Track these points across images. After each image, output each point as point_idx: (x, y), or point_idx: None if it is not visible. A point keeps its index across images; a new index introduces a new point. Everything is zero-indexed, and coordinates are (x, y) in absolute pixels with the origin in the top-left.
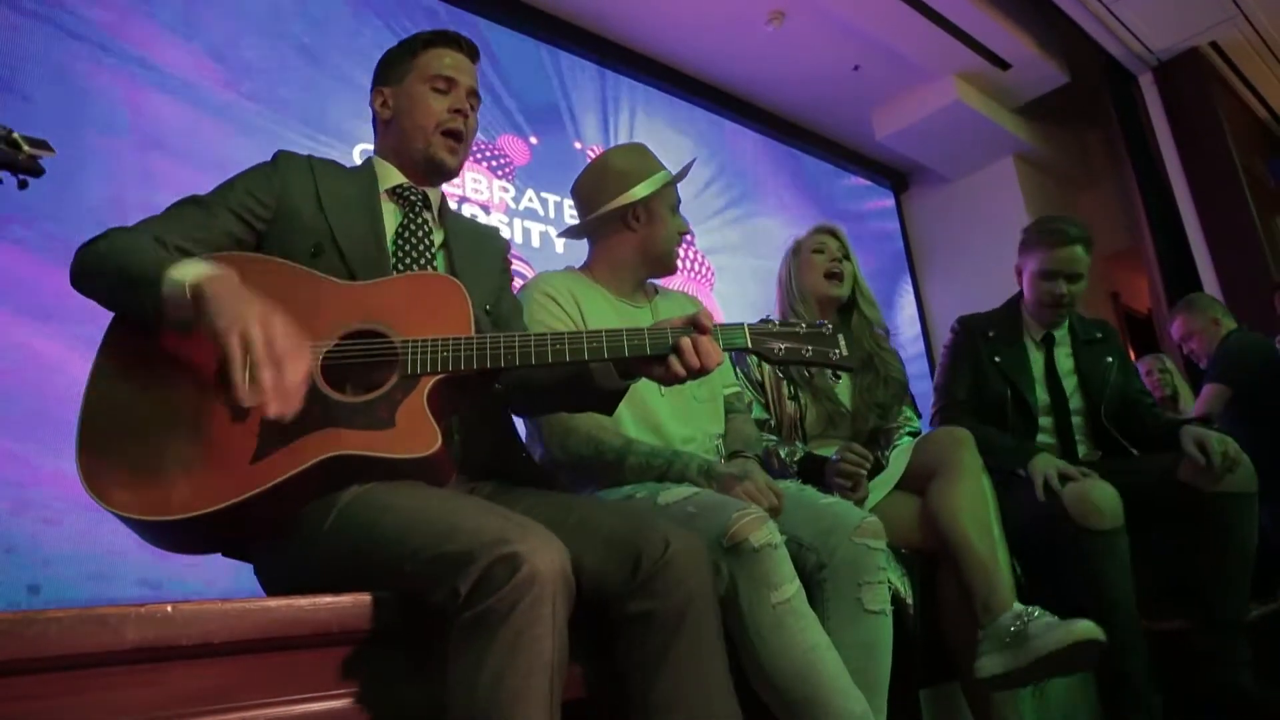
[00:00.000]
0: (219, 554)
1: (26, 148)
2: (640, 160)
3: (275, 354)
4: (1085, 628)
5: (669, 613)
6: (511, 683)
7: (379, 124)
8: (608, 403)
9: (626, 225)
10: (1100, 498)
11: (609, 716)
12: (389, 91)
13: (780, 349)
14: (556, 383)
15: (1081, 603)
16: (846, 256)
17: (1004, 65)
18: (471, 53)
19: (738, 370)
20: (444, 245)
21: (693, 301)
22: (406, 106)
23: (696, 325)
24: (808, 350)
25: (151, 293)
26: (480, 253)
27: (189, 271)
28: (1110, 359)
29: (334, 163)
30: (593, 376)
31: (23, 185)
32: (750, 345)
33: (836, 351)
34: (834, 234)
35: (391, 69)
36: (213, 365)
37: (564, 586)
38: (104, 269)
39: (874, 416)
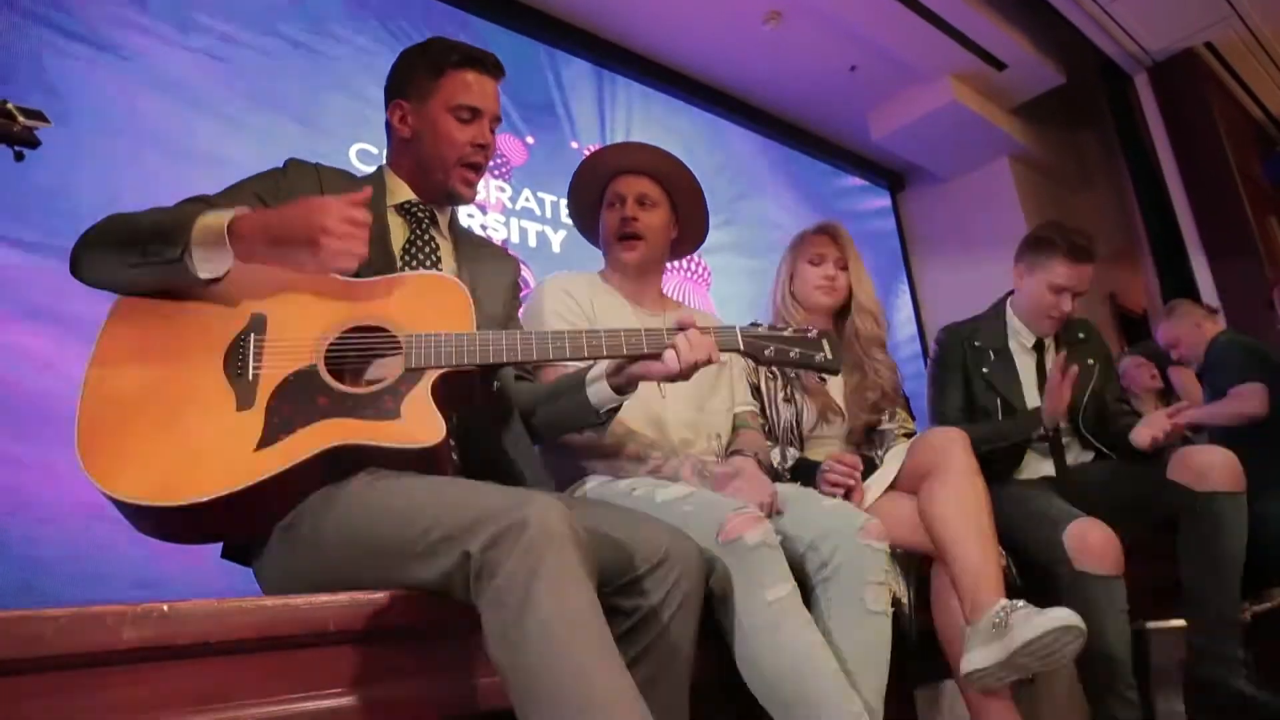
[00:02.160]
0: (219, 556)
1: (21, 119)
2: (583, 173)
3: (356, 231)
4: (1063, 614)
5: (654, 611)
6: (560, 629)
7: (395, 138)
8: (603, 420)
9: (600, 238)
10: (1100, 542)
11: None
12: (409, 108)
13: (769, 350)
14: (554, 404)
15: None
16: (844, 267)
17: (1000, 66)
18: (498, 73)
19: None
20: (455, 262)
21: (708, 319)
22: (428, 133)
23: (692, 324)
24: (794, 352)
25: (177, 239)
26: (490, 275)
27: (223, 215)
28: (1091, 361)
29: (343, 172)
30: (587, 395)
31: (19, 157)
32: (743, 347)
33: (821, 355)
34: (835, 240)
35: (412, 84)
36: (218, 354)
37: (576, 538)
38: (109, 240)
39: (867, 414)
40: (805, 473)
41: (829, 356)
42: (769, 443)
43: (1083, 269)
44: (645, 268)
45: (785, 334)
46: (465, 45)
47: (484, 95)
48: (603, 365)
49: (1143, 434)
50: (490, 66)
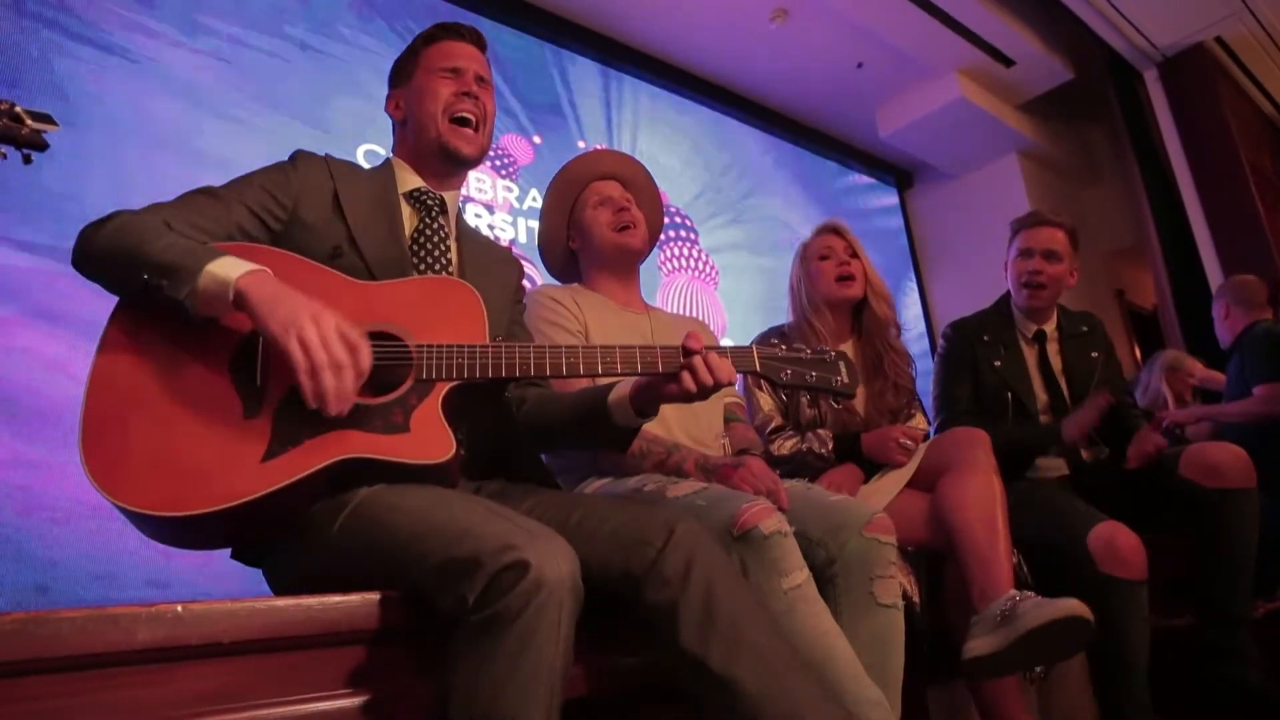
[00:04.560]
0: (228, 555)
1: (30, 122)
2: (558, 186)
3: (335, 357)
4: (1071, 604)
5: (683, 596)
6: (513, 690)
7: (396, 128)
8: (623, 440)
9: (573, 242)
10: (1127, 546)
11: (617, 711)
12: (399, 93)
13: (786, 373)
14: (574, 419)
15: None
16: (854, 255)
17: (1008, 62)
18: (475, 40)
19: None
20: (460, 260)
21: (692, 321)
22: (415, 99)
23: (705, 345)
24: (812, 375)
25: (184, 283)
26: (494, 276)
27: (232, 269)
28: (1095, 354)
29: (351, 163)
30: (609, 414)
31: (27, 160)
32: (759, 369)
33: (839, 379)
34: (838, 232)
35: (401, 72)
36: (225, 359)
37: (571, 592)
38: (116, 251)
39: (887, 421)
40: (850, 446)
41: (845, 380)
42: (792, 433)
43: (1037, 230)
44: (631, 265)
45: (803, 356)
46: (442, 22)
47: (463, 56)
48: (623, 388)
49: (1131, 457)
50: (466, 33)
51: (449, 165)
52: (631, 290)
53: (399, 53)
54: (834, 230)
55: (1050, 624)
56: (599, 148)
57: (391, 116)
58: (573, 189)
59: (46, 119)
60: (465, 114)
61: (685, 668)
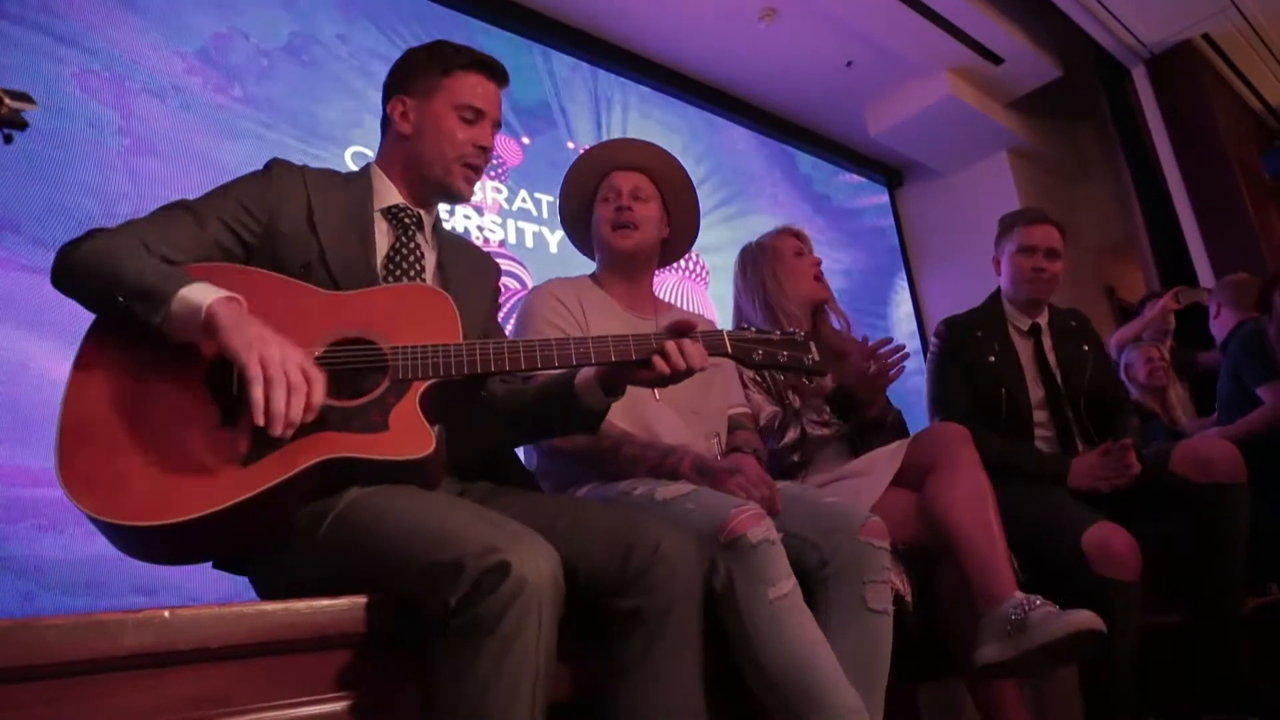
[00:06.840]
0: (209, 565)
1: (8, 101)
2: (576, 171)
3: (291, 379)
4: (1085, 618)
5: (655, 610)
6: (498, 691)
7: (392, 134)
8: (592, 421)
9: (592, 236)
10: (1122, 548)
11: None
12: (411, 104)
13: (758, 354)
14: (540, 405)
15: None
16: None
17: (996, 60)
18: (503, 81)
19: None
20: (438, 266)
21: (701, 321)
22: (430, 129)
23: (681, 329)
24: (783, 356)
25: (157, 307)
26: (473, 278)
27: (204, 295)
28: (1086, 348)
29: (329, 172)
30: (577, 396)
31: (8, 139)
32: (731, 352)
33: (810, 357)
34: (801, 237)
35: (416, 80)
36: (201, 369)
37: (553, 593)
38: (93, 272)
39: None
40: (843, 398)
41: (816, 358)
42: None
43: (1041, 227)
44: (636, 264)
45: (773, 337)
46: (472, 49)
47: (488, 98)
48: (589, 370)
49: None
50: (496, 73)
51: (441, 199)
52: (640, 292)
53: (385, 52)
54: (800, 235)
55: (1064, 639)
56: (626, 137)
57: (393, 121)
58: (592, 177)
59: (25, 98)
60: (477, 165)
61: (607, 670)
